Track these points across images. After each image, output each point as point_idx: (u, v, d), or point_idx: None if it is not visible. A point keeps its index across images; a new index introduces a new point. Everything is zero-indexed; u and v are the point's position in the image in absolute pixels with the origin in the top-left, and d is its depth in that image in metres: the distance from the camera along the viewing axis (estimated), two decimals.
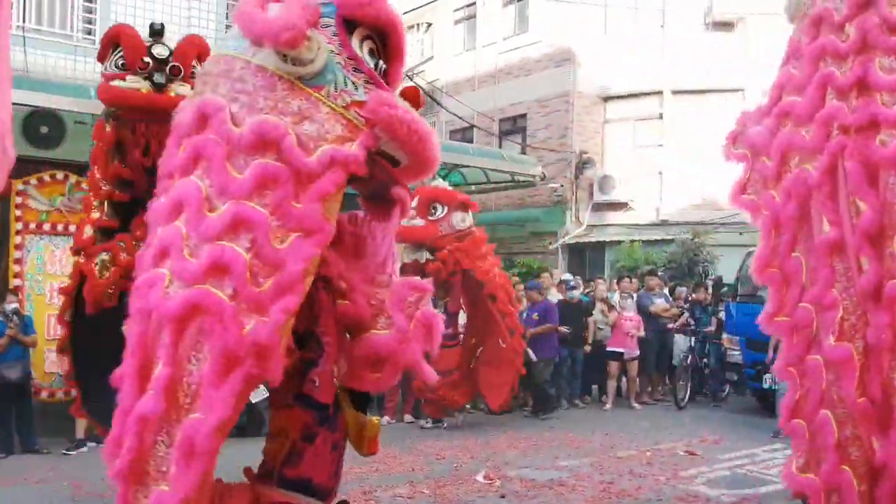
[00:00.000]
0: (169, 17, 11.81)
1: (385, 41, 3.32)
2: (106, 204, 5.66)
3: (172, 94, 5.48)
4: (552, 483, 7.39)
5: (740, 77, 18.14)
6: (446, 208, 9.57)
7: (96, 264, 5.49)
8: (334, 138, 3.02)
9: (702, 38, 19.17)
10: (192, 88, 5.58)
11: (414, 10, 25.00)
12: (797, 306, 3.80)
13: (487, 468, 7.86)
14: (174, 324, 2.71)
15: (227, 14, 12.60)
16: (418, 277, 10.00)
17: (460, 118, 21.15)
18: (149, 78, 5.53)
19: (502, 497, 6.96)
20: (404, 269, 9.71)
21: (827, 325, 3.67)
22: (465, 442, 9.33)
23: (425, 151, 3.25)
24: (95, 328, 5.69)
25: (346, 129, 3.06)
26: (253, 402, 9.41)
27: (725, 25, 19.23)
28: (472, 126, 21.57)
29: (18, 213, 9.51)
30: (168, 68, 5.56)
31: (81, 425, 8.56)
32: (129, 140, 5.52)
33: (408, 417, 10.72)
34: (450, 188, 10.36)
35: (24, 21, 10.82)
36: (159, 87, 5.52)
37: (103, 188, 5.64)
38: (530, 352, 10.85)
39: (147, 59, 5.52)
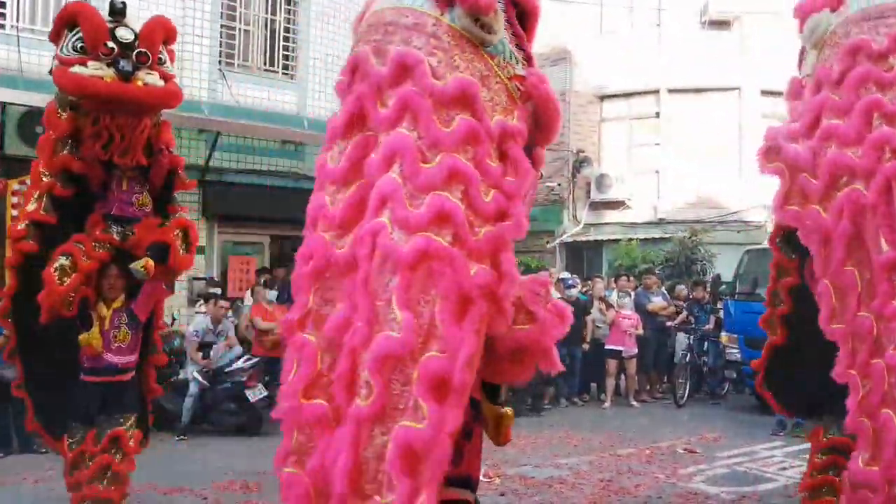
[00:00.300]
0: (164, 15, 11.76)
1: (524, 26, 3.51)
2: (45, 197, 5.11)
3: (140, 83, 4.98)
4: (551, 481, 7.38)
5: (737, 75, 18.14)
6: None
7: (55, 270, 4.95)
8: (501, 109, 3.19)
9: (698, 37, 19.16)
10: (159, 76, 5.09)
11: None
12: (856, 315, 4.04)
13: (486, 466, 7.83)
14: (407, 270, 2.80)
15: (221, 14, 12.55)
16: None
17: None
18: (113, 65, 4.94)
19: (501, 495, 6.94)
20: None
21: (889, 334, 3.89)
22: None
23: (557, 129, 3.51)
24: (46, 336, 5.34)
25: (508, 100, 3.23)
26: (251, 401, 9.41)
27: (722, 24, 19.22)
28: None
29: (14, 213, 9.46)
30: (135, 55, 5.01)
31: None
32: (89, 132, 5.01)
33: None
34: None
35: (17, 21, 10.77)
36: (126, 76, 4.94)
37: (44, 179, 5.10)
38: None
39: (111, 45, 4.95)
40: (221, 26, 12.56)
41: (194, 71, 12.04)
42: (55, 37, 5.18)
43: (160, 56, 5.20)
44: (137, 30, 5.13)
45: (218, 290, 10.88)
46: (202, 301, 10.80)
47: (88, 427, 5.32)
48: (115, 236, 5.29)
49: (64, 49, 5.06)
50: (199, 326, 9.79)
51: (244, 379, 9.50)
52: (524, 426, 10.31)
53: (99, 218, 5.31)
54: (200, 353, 9.62)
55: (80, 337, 5.22)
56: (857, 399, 4.06)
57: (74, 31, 5.03)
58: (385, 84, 3.09)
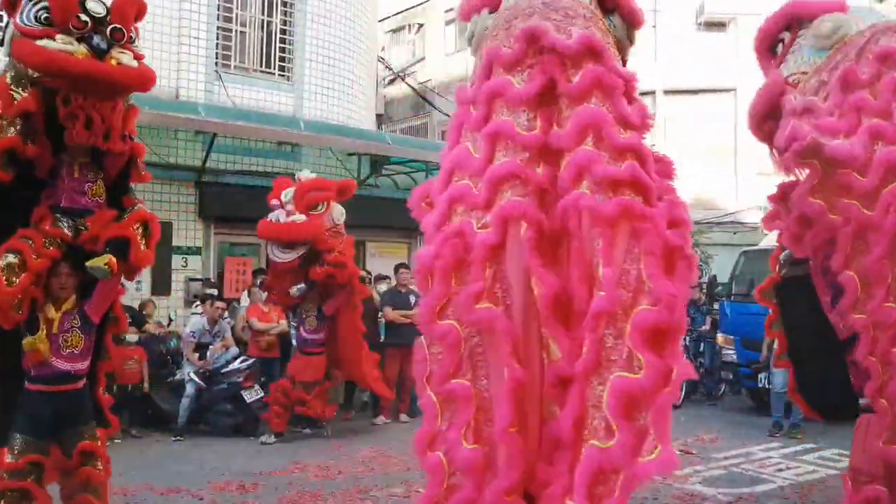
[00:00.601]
0: (160, 17, 11.76)
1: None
2: None
3: (114, 62, 4.45)
4: None
5: (733, 76, 18.19)
6: (327, 202, 8.95)
7: (2, 269, 4.42)
8: None
9: (694, 38, 19.22)
10: (134, 57, 4.56)
11: (405, 10, 24.98)
12: (882, 306, 4.26)
13: None
14: (610, 228, 2.94)
15: (217, 16, 12.54)
16: (302, 284, 9.27)
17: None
18: (85, 40, 4.39)
19: None
20: (277, 272, 9.11)
21: None
22: None
23: None
24: None
25: None
26: (248, 401, 9.41)
27: (718, 25, 19.29)
28: None
29: None
30: (109, 31, 4.47)
31: None
32: (62, 113, 4.46)
33: (403, 417, 10.68)
34: (326, 180, 9.67)
35: None
36: (100, 54, 4.41)
37: None
38: None
39: (84, 18, 4.39)
40: (218, 28, 12.55)
41: (191, 72, 12.04)
42: (9, 4, 4.59)
43: (131, 36, 4.67)
44: (108, 3, 4.58)
45: (214, 291, 10.87)
46: (199, 302, 10.79)
47: (39, 440, 4.71)
48: (66, 231, 4.69)
49: (24, 18, 4.45)
50: (195, 327, 9.78)
51: (240, 380, 9.50)
52: None
53: (46, 210, 4.74)
54: (197, 354, 9.60)
55: (25, 342, 4.63)
56: (877, 384, 4.29)
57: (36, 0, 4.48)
58: (570, 59, 3.19)
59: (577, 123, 3.10)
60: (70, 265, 4.76)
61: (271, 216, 8.79)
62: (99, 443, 4.94)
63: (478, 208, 3.16)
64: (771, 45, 5.24)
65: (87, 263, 4.63)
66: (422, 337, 3.28)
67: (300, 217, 8.61)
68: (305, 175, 9.11)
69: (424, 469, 3.28)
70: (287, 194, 8.71)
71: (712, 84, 18.50)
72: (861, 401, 4.82)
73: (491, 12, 3.52)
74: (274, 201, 8.82)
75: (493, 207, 3.12)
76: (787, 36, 5.09)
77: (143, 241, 4.81)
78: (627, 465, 2.76)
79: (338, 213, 9.06)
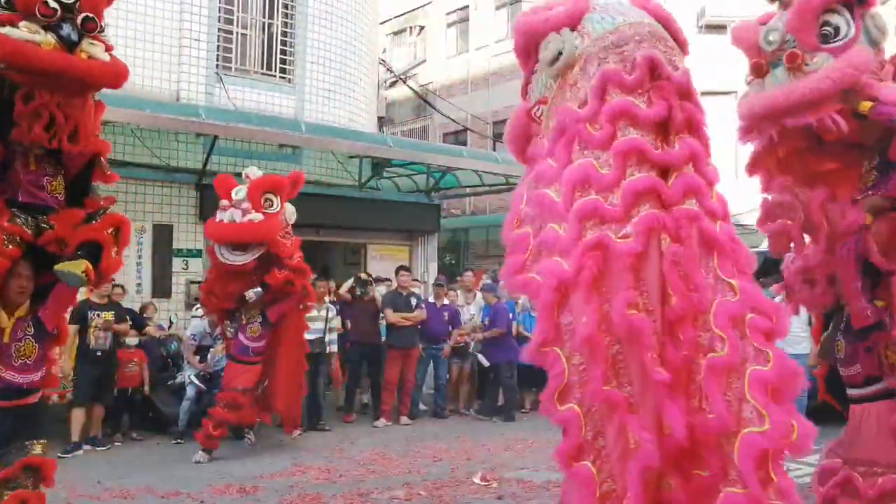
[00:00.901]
0: (161, 19, 11.78)
1: None
2: None
3: (84, 55, 4.01)
4: (549, 484, 7.37)
5: (733, 79, 18.18)
6: (279, 199, 8.35)
7: None
8: None
9: (694, 41, 19.19)
10: (107, 49, 4.13)
11: (406, 13, 25.02)
12: None
13: (484, 470, 7.84)
14: (722, 248, 3.31)
15: (218, 18, 12.55)
16: (258, 288, 8.59)
17: (454, 121, 21.16)
18: (52, 29, 3.94)
19: (499, 498, 6.94)
20: (221, 275, 8.54)
21: None
22: (461, 444, 9.30)
23: None
24: None
25: None
26: None
27: (718, 28, 19.28)
28: (466, 129, 21.57)
29: None
30: (80, 20, 4.03)
31: (77, 428, 8.52)
32: (24, 110, 3.99)
33: (404, 419, 10.68)
34: (277, 176, 8.97)
35: None
36: (70, 46, 3.98)
37: None
38: (481, 357, 10.80)
39: (54, 4, 3.93)
40: (218, 30, 12.56)
41: (191, 75, 12.05)
42: None
43: (102, 26, 4.22)
44: None
45: None
46: (199, 304, 10.78)
47: None
48: (26, 229, 4.22)
49: None
50: (196, 330, 9.78)
51: None
52: (522, 429, 10.31)
53: (2, 205, 4.24)
54: (197, 357, 9.61)
55: None
56: None
57: None
58: (677, 91, 3.48)
59: (684, 152, 3.39)
60: (30, 266, 4.32)
61: (222, 216, 8.20)
62: (45, 456, 4.44)
63: (614, 221, 3.25)
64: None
65: (57, 267, 4.18)
66: (554, 350, 3.30)
67: (257, 216, 8.08)
68: (254, 172, 8.57)
69: (574, 481, 3.36)
70: (239, 192, 8.19)
71: (712, 87, 18.46)
72: (853, 391, 4.62)
73: (571, 31, 3.63)
74: (224, 200, 8.23)
75: (629, 220, 3.24)
76: (842, 10, 4.31)
77: (115, 247, 4.44)
78: (782, 444, 3.02)
79: (290, 212, 8.66)
